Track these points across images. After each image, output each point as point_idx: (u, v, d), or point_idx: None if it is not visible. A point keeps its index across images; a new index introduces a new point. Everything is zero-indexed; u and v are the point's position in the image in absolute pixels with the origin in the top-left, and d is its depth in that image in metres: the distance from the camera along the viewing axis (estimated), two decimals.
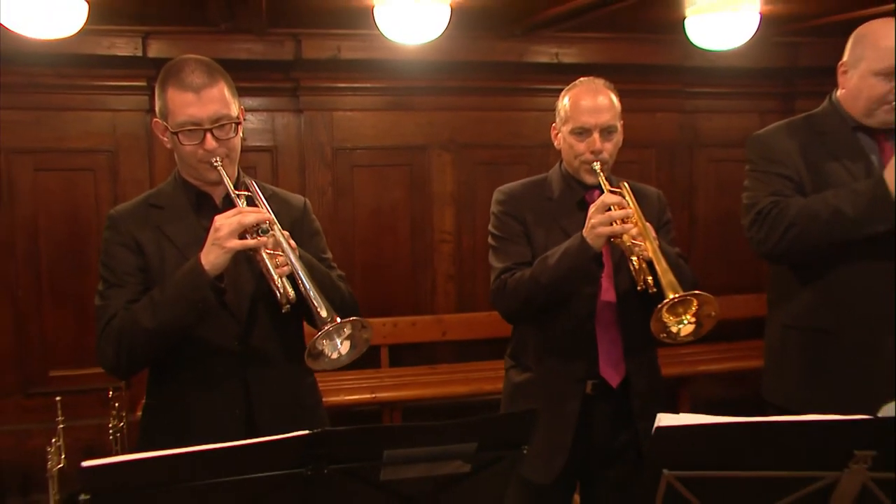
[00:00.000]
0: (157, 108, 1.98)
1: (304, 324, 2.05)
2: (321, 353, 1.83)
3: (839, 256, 2.32)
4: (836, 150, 2.39)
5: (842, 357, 2.35)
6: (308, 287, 1.84)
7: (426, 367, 4.62)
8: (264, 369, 2.01)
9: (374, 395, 4.16)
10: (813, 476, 1.37)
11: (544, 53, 4.61)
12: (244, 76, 4.09)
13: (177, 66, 1.94)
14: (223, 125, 1.93)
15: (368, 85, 4.54)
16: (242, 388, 1.99)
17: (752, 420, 1.33)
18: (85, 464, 1.19)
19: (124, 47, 4.13)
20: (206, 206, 2.03)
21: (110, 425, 4.01)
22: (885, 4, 3.59)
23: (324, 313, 1.82)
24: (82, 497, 1.22)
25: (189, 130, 1.92)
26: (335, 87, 4.49)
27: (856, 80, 2.35)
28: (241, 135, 2.00)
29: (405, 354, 4.66)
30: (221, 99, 1.93)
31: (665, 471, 1.38)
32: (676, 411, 1.41)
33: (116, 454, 3.51)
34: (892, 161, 2.22)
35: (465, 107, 4.67)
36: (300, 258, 1.89)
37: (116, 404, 4.00)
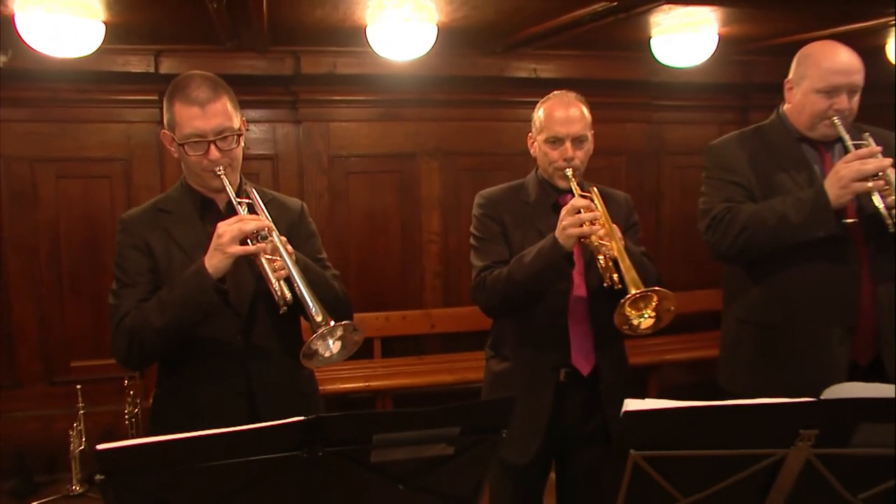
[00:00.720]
0: (164, 121, 1.97)
1: (301, 318, 2.05)
2: (315, 353, 1.83)
3: (785, 258, 2.34)
4: (782, 160, 2.41)
5: (787, 349, 2.38)
6: (303, 291, 1.83)
7: (415, 357, 4.62)
8: (265, 362, 2.00)
9: (367, 384, 4.16)
10: (763, 453, 1.39)
11: (523, 69, 4.63)
12: (247, 90, 4.09)
13: (183, 82, 1.93)
14: (226, 137, 1.92)
15: (362, 98, 4.53)
16: (245, 380, 1.99)
17: (709, 404, 1.34)
18: (100, 447, 1.18)
19: (138, 64, 4.13)
20: (211, 211, 2.02)
21: (126, 411, 4.02)
22: (828, 28, 3.64)
23: (318, 318, 1.81)
24: (97, 477, 1.22)
25: (194, 142, 1.91)
26: (331, 99, 4.49)
27: (800, 97, 2.37)
28: (242, 145, 2.00)
29: (396, 346, 4.66)
30: (224, 112, 1.93)
31: (632, 451, 1.39)
32: (645, 397, 1.41)
33: (132, 438, 3.50)
34: (832, 172, 2.25)
35: (450, 118, 4.67)
36: (296, 262, 1.88)
37: (131, 392, 4.02)
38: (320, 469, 1.32)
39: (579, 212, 2.13)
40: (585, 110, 2.32)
